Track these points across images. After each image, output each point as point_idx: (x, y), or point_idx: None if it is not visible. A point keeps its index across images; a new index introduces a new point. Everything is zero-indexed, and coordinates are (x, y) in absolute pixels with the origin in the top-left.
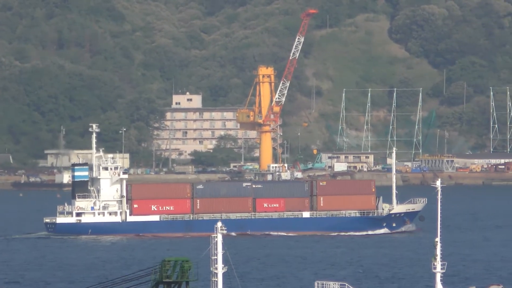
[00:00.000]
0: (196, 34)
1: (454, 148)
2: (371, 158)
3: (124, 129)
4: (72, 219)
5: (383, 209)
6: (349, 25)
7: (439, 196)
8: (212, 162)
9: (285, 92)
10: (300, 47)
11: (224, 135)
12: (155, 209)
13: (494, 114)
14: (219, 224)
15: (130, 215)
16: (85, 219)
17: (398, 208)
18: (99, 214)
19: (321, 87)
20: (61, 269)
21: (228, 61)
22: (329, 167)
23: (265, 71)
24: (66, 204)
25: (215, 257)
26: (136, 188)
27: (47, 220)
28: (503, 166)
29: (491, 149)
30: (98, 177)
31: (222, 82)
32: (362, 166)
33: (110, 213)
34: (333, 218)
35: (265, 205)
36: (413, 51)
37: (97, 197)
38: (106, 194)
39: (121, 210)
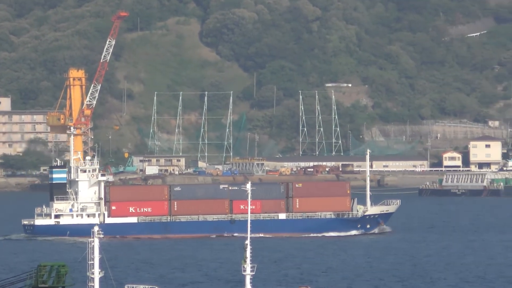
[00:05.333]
0: (5, 36)
1: (264, 151)
2: (183, 161)
3: None
4: (50, 221)
5: (357, 211)
6: (160, 28)
7: (249, 199)
8: (21, 166)
9: (96, 95)
10: (111, 50)
11: (34, 138)
12: (133, 211)
13: (303, 117)
14: (96, 228)
15: (108, 217)
16: (64, 221)
17: (373, 210)
18: (77, 216)
19: (133, 90)
20: None
21: (38, 64)
22: (141, 170)
23: (76, 74)
24: (44, 206)
25: (92, 262)
26: (114, 190)
27: (25, 222)
28: (312, 169)
29: (300, 152)
30: (76, 179)
31: (32, 85)
32: (173, 169)
33: (88, 215)
34: (308, 220)
35: (242, 207)
36: (223, 54)
37: (75, 199)
38: (84, 196)
39: (99, 212)
